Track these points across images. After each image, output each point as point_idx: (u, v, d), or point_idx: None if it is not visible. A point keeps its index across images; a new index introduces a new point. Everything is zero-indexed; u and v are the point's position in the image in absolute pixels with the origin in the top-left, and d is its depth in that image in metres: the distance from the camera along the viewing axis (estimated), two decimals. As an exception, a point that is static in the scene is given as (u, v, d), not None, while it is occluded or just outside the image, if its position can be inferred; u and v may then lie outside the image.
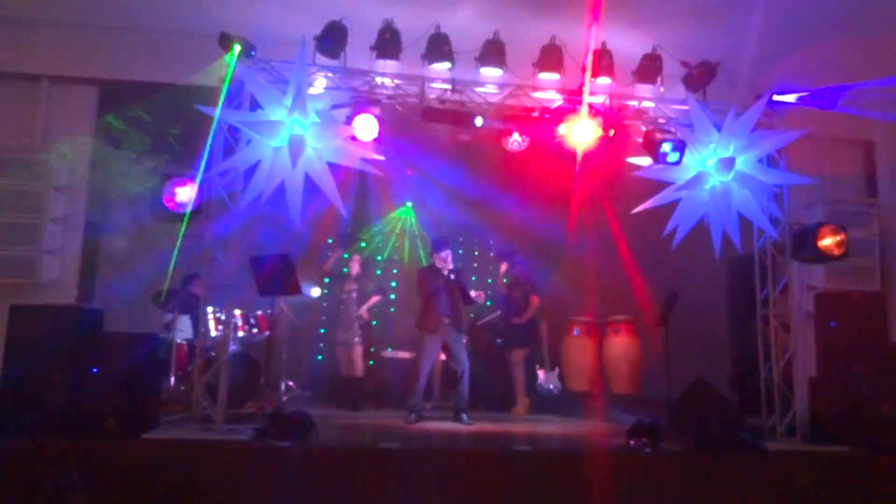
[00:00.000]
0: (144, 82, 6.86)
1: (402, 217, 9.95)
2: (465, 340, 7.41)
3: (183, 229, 5.79)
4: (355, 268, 8.09)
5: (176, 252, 5.95)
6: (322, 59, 6.20)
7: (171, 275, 7.53)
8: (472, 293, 7.29)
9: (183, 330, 7.40)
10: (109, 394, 5.31)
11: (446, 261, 7.17)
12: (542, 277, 8.77)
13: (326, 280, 8.67)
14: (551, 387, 8.09)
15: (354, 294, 7.99)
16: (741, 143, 6.29)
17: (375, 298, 8.23)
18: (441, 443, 6.08)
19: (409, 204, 9.93)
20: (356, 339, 7.86)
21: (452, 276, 7.15)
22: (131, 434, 5.21)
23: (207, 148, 5.92)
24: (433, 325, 7.06)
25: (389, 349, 8.79)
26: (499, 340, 8.37)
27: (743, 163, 6.35)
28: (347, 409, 7.65)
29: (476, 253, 10.33)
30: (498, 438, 6.49)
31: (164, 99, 7.06)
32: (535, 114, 6.60)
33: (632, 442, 5.67)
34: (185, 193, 5.73)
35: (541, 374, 8.13)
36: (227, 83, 5.86)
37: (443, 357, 7.74)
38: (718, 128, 6.28)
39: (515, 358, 7.88)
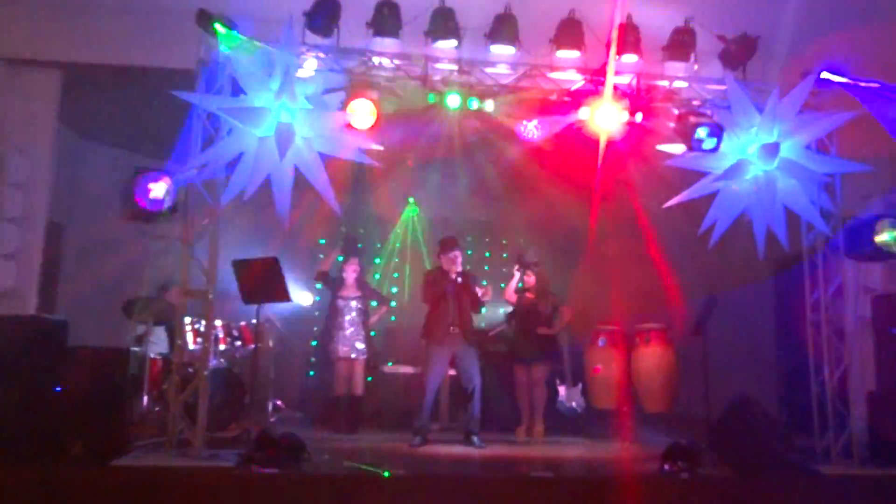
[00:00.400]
0: (114, 65, 6.87)
1: (406, 216, 9.97)
2: (476, 353, 7.38)
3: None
4: (351, 274, 8.05)
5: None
6: (312, 38, 6.19)
7: (144, 281, 7.59)
8: (479, 291, 7.24)
9: (157, 343, 7.41)
10: (74, 415, 5.32)
11: (455, 262, 7.16)
12: (561, 281, 8.76)
13: (319, 286, 8.67)
14: (574, 405, 8.06)
15: (355, 303, 7.96)
16: (786, 126, 6.26)
17: (384, 309, 8.25)
18: (450, 469, 6.06)
19: (412, 200, 9.94)
20: (360, 354, 7.84)
21: (461, 280, 7.14)
22: (99, 461, 5.20)
23: (184, 139, 5.93)
24: (440, 335, 7.05)
25: (390, 363, 8.79)
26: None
27: (789, 149, 6.32)
28: (344, 431, 7.63)
29: (488, 255, 10.34)
30: (514, 463, 6.46)
31: (135, 84, 7.08)
32: (553, 97, 6.58)
33: (666, 466, 5.63)
34: (160, 190, 5.73)
35: (562, 390, 8.10)
36: (205, 66, 5.88)
37: (451, 372, 7.73)
38: (760, 110, 6.26)
39: (538, 374, 7.86)
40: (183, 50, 6.23)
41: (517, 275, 8.03)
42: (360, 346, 7.86)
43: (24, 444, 5.18)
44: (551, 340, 8.00)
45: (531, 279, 8.05)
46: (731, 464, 5.68)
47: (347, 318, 7.88)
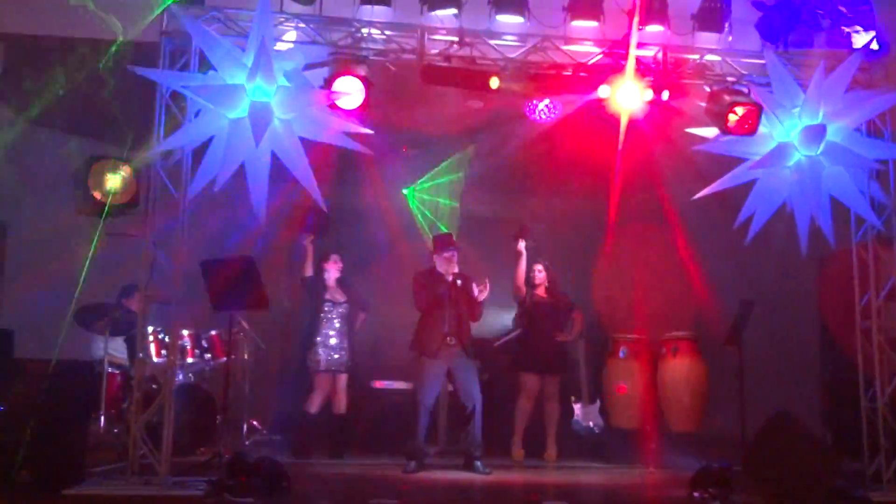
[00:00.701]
0: (64, 38, 6.87)
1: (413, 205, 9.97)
2: (477, 367, 7.38)
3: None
4: (333, 273, 8.00)
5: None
6: (292, 6, 6.21)
7: (101, 286, 7.58)
8: (476, 290, 7.18)
9: (116, 356, 7.42)
10: (21, 438, 5.29)
11: (450, 263, 7.16)
12: (576, 283, 8.76)
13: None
14: (591, 424, 8.07)
15: (340, 309, 7.93)
16: (833, 106, 6.27)
17: (362, 316, 8.21)
18: (448, 497, 6.08)
19: (406, 190, 9.95)
20: (344, 368, 7.81)
21: (459, 283, 7.14)
22: (50, 489, 5.20)
23: (146, 122, 5.94)
24: (435, 347, 7.06)
25: (380, 379, 8.79)
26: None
27: (836, 132, 6.34)
28: (326, 455, 7.63)
29: (488, 253, 10.33)
30: (522, 491, 6.48)
31: (89, 59, 7.08)
32: (568, 73, 6.59)
33: (696, 494, 5.65)
34: (118, 180, 5.74)
35: (577, 408, 8.11)
36: (167, 39, 5.89)
37: (450, 388, 7.73)
38: (804, 87, 6.26)
39: (552, 388, 7.88)
40: (144, 20, 6.22)
41: (523, 252, 7.95)
42: (345, 358, 7.83)
43: (-36, 471, 5.19)
44: (565, 349, 8.02)
45: (542, 274, 8.04)
46: (769, 490, 5.69)
47: (330, 325, 7.84)
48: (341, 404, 7.81)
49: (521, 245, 7.93)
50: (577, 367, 8.19)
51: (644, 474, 7.19)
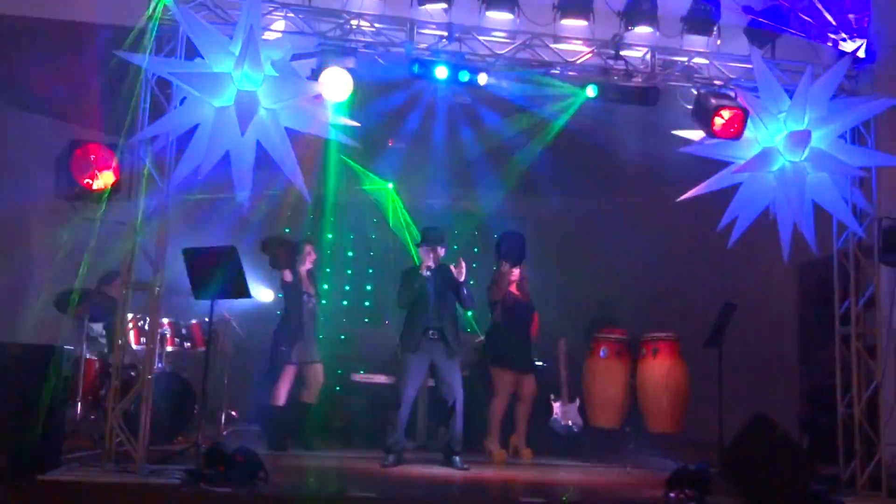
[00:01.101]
0: (46, 20, 6.81)
1: (380, 197, 9.95)
2: (459, 362, 7.40)
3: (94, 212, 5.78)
4: (307, 264, 8.01)
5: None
6: (281, -5, 6.20)
7: (80, 272, 7.55)
8: (455, 273, 7.12)
9: (94, 342, 7.39)
10: (-3, 423, 5.29)
11: (431, 256, 7.14)
12: (560, 282, 8.81)
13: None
14: (570, 423, 8.11)
15: (314, 300, 7.96)
16: (818, 112, 6.31)
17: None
18: (427, 492, 6.10)
19: (392, 185, 9.96)
20: (316, 357, 7.85)
21: (440, 277, 7.12)
22: (25, 476, 5.17)
23: (130, 107, 5.91)
24: (416, 340, 7.08)
25: (361, 371, 8.81)
26: None
27: (820, 138, 6.38)
28: (299, 446, 7.63)
29: (476, 250, 10.37)
30: (500, 487, 6.51)
31: (73, 43, 7.04)
32: (556, 70, 6.61)
33: (672, 494, 5.69)
34: (101, 166, 5.71)
35: (556, 406, 8.15)
36: (155, 23, 5.85)
37: (430, 383, 7.75)
38: (790, 93, 6.31)
39: (530, 388, 7.92)
40: (130, 4, 6.20)
41: (515, 273, 7.97)
42: (315, 349, 7.89)
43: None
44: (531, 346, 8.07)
45: (515, 272, 8.02)
46: (745, 493, 5.74)
47: (306, 317, 7.87)
48: (312, 394, 7.82)
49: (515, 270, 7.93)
50: (557, 365, 8.23)
51: (621, 474, 7.23)
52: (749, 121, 6.32)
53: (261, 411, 8.32)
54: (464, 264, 7.17)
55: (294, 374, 7.75)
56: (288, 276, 7.85)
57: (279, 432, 7.64)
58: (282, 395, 7.67)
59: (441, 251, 7.26)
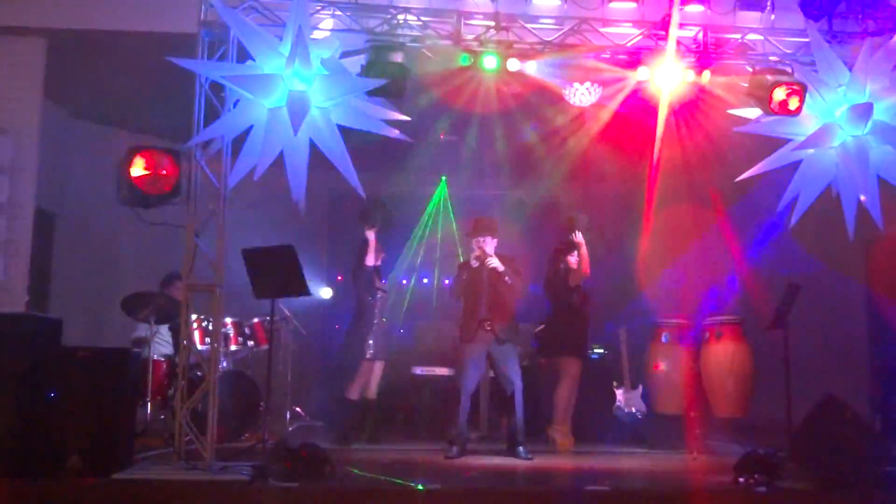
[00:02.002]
0: (104, 31, 6.99)
1: (437, 197, 10.01)
2: (516, 351, 7.39)
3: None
4: (377, 262, 8.01)
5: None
6: (328, -6, 6.27)
7: (144, 275, 7.73)
8: (492, 261, 7.03)
9: (161, 344, 7.57)
10: (71, 424, 5.45)
11: (482, 247, 7.12)
12: (617, 268, 8.73)
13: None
14: (634, 410, 8.06)
15: (383, 296, 8.03)
16: (880, 84, 6.19)
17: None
18: (492, 482, 6.11)
19: (444, 178, 10.00)
20: (383, 354, 7.93)
21: (490, 267, 7.10)
22: (100, 474, 5.33)
23: (185, 112, 6.03)
24: (470, 332, 7.09)
25: (422, 365, 8.86)
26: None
27: (884, 110, 6.25)
28: (366, 441, 7.72)
29: (530, 239, 10.34)
30: (566, 476, 6.49)
31: (129, 52, 7.21)
32: (606, 55, 6.56)
33: (741, 479, 5.62)
34: (160, 171, 5.82)
35: (620, 393, 8.11)
36: (207, 29, 5.96)
37: (491, 374, 7.77)
38: (849, 66, 6.17)
39: (568, 369, 7.81)
40: (182, 12, 6.33)
41: (581, 242, 7.88)
42: (388, 345, 7.96)
43: (16, 456, 5.34)
44: (579, 326, 8.01)
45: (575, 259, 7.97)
46: (815, 476, 5.66)
47: (378, 313, 7.96)
48: (373, 390, 7.91)
49: (578, 236, 7.87)
50: (619, 352, 8.18)
51: (687, 460, 7.16)
52: (808, 96, 6.21)
53: (326, 407, 8.44)
54: (489, 256, 7.09)
55: (370, 370, 7.85)
56: (371, 260, 7.84)
57: (344, 427, 7.73)
58: (356, 390, 7.78)
59: (491, 241, 7.23)
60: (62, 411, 5.47)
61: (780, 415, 6.64)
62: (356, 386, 7.77)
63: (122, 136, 8.40)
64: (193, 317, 7.12)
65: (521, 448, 6.98)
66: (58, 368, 5.60)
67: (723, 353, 8.11)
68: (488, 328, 7.09)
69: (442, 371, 8.56)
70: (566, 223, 8.01)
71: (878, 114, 6.23)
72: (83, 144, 8.83)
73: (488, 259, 7.06)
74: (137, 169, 5.83)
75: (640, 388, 8.14)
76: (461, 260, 7.49)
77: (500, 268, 7.07)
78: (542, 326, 8.51)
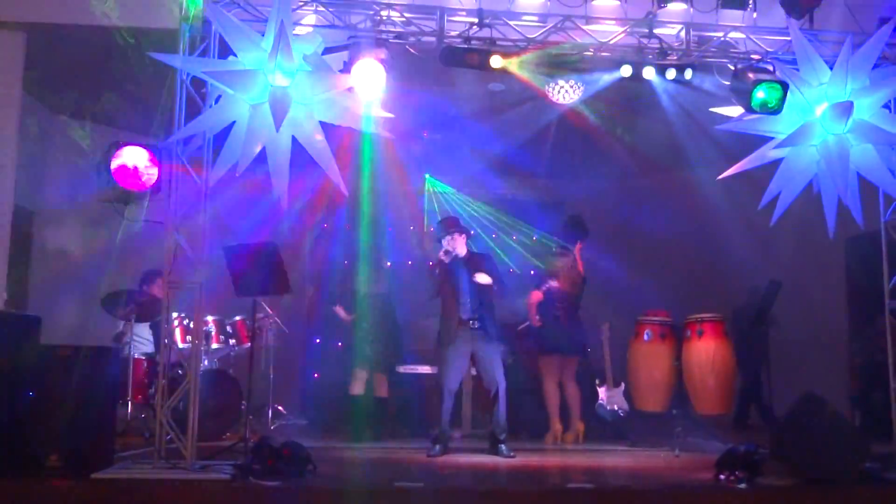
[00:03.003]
0: (84, 26, 6.92)
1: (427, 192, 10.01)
2: (499, 349, 7.40)
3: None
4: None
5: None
6: (311, -11, 6.23)
7: (124, 272, 7.68)
8: (481, 278, 7.08)
9: (141, 342, 7.52)
10: (50, 423, 5.39)
11: (454, 246, 7.11)
12: (602, 265, 8.75)
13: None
14: (616, 407, 8.09)
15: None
16: (861, 82, 6.21)
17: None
18: (474, 480, 6.11)
19: (428, 175, 9.98)
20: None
21: (472, 265, 7.10)
22: (79, 473, 5.28)
23: (166, 108, 5.98)
24: (451, 334, 7.08)
25: (406, 363, 8.85)
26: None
27: (864, 109, 6.27)
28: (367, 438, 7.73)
29: (514, 238, 10.36)
30: (548, 474, 6.50)
31: (109, 46, 7.14)
32: (590, 52, 6.56)
33: (722, 476, 5.64)
34: (140, 167, 5.78)
35: (602, 391, 8.13)
36: (188, 23, 5.92)
37: (473, 372, 7.76)
38: (830, 64, 6.20)
39: (542, 368, 7.93)
40: (163, 6, 6.28)
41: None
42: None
43: (-5, 456, 5.29)
44: (575, 326, 8.06)
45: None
46: (796, 473, 5.69)
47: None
48: (384, 387, 7.91)
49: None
50: (601, 350, 8.20)
51: (670, 457, 7.18)
52: (789, 94, 6.23)
53: (313, 403, 8.46)
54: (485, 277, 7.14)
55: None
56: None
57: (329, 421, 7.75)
58: (358, 386, 7.80)
59: (460, 237, 7.21)
60: (41, 410, 5.42)
61: (761, 412, 6.68)
62: (359, 382, 7.82)
63: (103, 132, 8.34)
64: (174, 315, 7.08)
65: (502, 446, 6.99)
66: (36, 367, 5.54)
67: (704, 351, 8.13)
68: (473, 327, 7.08)
69: (425, 369, 8.55)
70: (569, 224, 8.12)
71: (859, 112, 6.26)
72: (62, 140, 8.75)
73: (476, 276, 7.09)
74: (117, 165, 5.79)
75: (623, 385, 8.17)
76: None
77: (487, 281, 7.10)
78: (525, 325, 8.55)
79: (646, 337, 8.38)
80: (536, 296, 7.92)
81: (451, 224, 7.34)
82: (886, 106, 6.43)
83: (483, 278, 7.09)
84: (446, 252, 7.08)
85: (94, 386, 5.59)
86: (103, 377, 5.73)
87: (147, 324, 7.59)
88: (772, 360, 6.82)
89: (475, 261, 7.24)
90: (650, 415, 8.22)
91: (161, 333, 6.21)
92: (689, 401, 8.12)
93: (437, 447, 6.97)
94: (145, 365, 7.30)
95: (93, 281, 8.25)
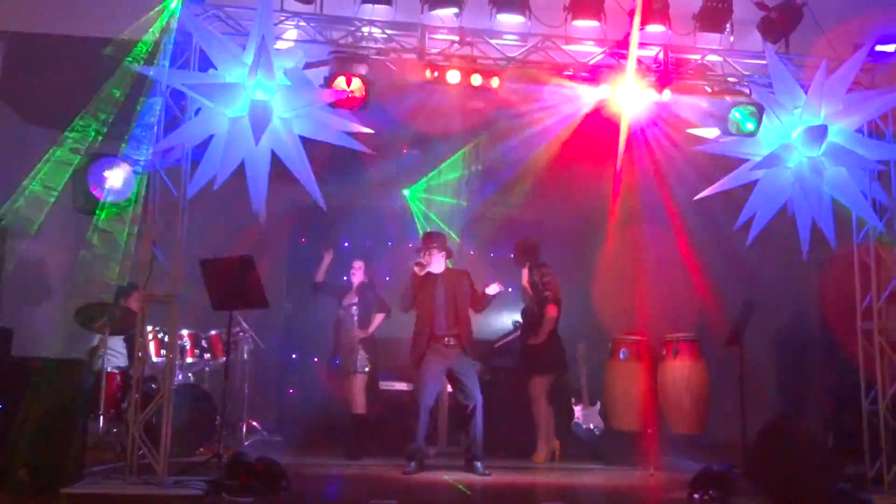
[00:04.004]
0: (63, 36, 6.89)
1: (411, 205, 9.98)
2: (476, 366, 7.39)
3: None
4: (358, 276, 8.06)
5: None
6: (293, 5, 6.23)
7: (99, 285, 7.59)
8: (491, 289, 7.14)
9: (115, 355, 7.44)
10: (19, 436, 5.32)
11: (430, 261, 7.11)
12: (577, 283, 8.76)
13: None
14: (592, 426, 8.09)
15: (355, 309, 7.99)
16: (835, 107, 6.29)
17: (380, 317, 8.21)
18: (449, 498, 6.08)
19: (407, 191, 9.97)
20: (358, 367, 7.86)
21: (449, 281, 7.11)
22: (48, 488, 5.22)
23: (145, 120, 5.95)
24: (431, 346, 7.05)
25: (381, 380, 8.80)
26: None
27: (837, 133, 6.35)
28: (344, 456, 7.65)
29: (492, 255, 10.36)
30: (522, 492, 6.48)
31: (88, 57, 7.09)
32: (569, 72, 6.61)
33: (696, 496, 5.66)
34: (117, 178, 5.75)
35: (578, 410, 8.13)
36: (168, 35, 5.90)
37: (450, 389, 7.73)
38: (805, 88, 6.28)
39: (536, 388, 7.86)
40: (143, 18, 6.24)
41: (525, 275, 7.99)
42: (363, 358, 7.90)
43: (-36, 470, 5.21)
44: (547, 348, 7.94)
45: (525, 275, 8.01)
46: (769, 493, 5.71)
47: (348, 327, 7.93)
48: (358, 405, 7.87)
49: (524, 271, 7.95)
50: (577, 368, 8.20)
51: (644, 476, 7.19)
52: (765, 117, 6.30)
53: (288, 419, 8.39)
54: (500, 286, 7.19)
55: (365, 382, 7.84)
56: (321, 275, 7.97)
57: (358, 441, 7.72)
58: (361, 404, 7.78)
59: (438, 254, 7.22)
60: (10, 423, 5.35)
61: (736, 432, 6.70)
62: (361, 399, 7.78)
63: (81, 141, 8.26)
64: (149, 328, 7.02)
65: (478, 463, 6.96)
66: (7, 379, 5.48)
67: (679, 370, 8.17)
68: (451, 343, 7.07)
69: (401, 386, 8.51)
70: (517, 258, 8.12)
71: (833, 136, 6.33)
72: (37, 150, 8.65)
73: (488, 287, 7.14)
74: (94, 177, 5.76)
75: (599, 404, 8.18)
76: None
77: (496, 291, 7.15)
78: (504, 341, 8.55)
79: (621, 356, 8.40)
80: (553, 310, 7.86)
81: (432, 239, 7.34)
82: (860, 130, 6.51)
83: (493, 289, 7.13)
84: (419, 265, 7.08)
85: (65, 399, 5.54)
86: (75, 390, 5.68)
87: (121, 337, 7.51)
88: (746, 380, 6.82)
89: (452, 277, 7.23)
90: (625, 434, 8.22)
91: (135, 347, 6.14)
92: (664, 420, 8.14)
93: (413, 464, 6.93)
94: (118, 378, 7.22)
95: (67, 293, 8.16)
